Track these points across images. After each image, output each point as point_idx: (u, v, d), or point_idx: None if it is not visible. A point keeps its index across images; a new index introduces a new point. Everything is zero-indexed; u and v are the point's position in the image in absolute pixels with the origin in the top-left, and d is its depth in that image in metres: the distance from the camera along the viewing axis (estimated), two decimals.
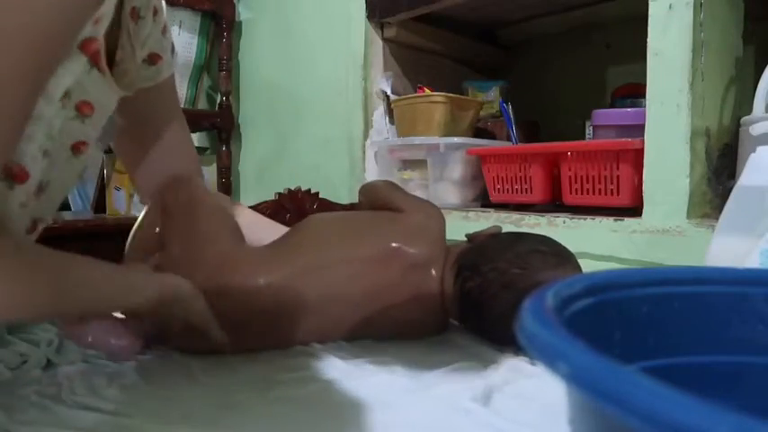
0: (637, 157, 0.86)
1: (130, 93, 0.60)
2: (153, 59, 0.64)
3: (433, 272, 0.67)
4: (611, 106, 1.17)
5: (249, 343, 0.63)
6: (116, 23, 0.56)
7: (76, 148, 0.53)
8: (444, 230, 0.71)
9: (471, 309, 0.65)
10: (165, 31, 0.65)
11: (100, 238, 1.06)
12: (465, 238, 0.72)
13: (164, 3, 0.65)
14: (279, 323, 0.63)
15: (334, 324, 0.66)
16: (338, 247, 0.67)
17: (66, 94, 0.49)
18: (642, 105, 0.87)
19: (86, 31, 0.48)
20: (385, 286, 0.65)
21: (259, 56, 1.68)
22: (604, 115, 0.98)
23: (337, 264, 0.65)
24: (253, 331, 0.62)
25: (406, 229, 0.68)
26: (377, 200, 0.75)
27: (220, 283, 0.61)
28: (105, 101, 0.55)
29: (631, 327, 0.34)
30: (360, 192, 0.78)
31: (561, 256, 0.65)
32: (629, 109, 1.00)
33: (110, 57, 0.56)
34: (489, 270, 0.63)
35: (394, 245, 0.66)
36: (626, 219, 0.86)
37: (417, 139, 1.18)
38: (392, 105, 1.30)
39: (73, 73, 0.48)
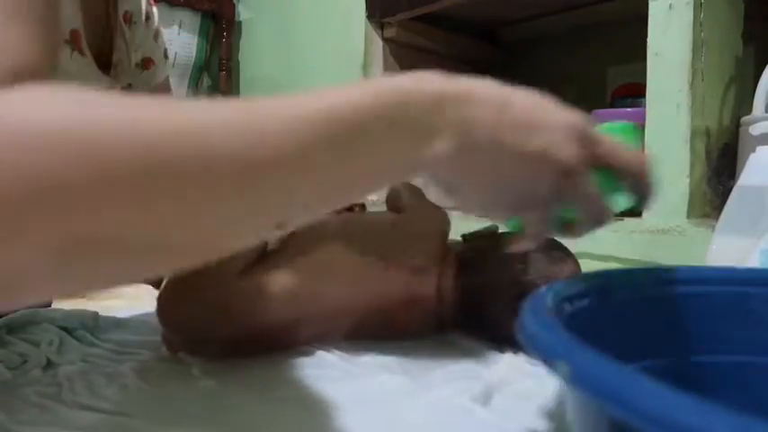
0: None
1: (119, 84, 0.60)
2: (146, 64, 0.65)
3: (430, 277, 0.67)
4: (611, 106, 1.17)
5: (249, 350, 0.63)
6: (109, 26, 0.57)
7: None
8: (446, 235, 0.70)
9: (474, 307, 0.65)
10: (157, 36, 0.66)
11: None
12: (462, 239, 0.72)
13: (155, 9, 0.66)
14: (276, 332, 0.63)
15: (330, 331, 0.66)
16: (335, 255, 0.66)
17: None
18: (642, 105, 0.87)
19: (72, 23, 0.49)
20: (381, 293, 0.65)
21: (259, 56, 1.68)
22: (604, 115, 0.98)
23: (334, 271, 0.65)
24: (255, 340, 0.62)
25: (403, 236, 0.68)
26: (392, 201, 0.73)
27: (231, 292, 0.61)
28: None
29: (631, 327, 0.34)
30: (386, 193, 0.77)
31: (562, 251, 0.65)
32: (629, 109, 1.00)
33: (107, 58, 0.57)
34: (492, 267, 0.63)
35: (391, 252, 0.66)
36: (626, 219, 0.86)
37: None
38: None
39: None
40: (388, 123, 0.30)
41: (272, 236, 0.27)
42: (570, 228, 0.39)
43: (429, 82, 0.31)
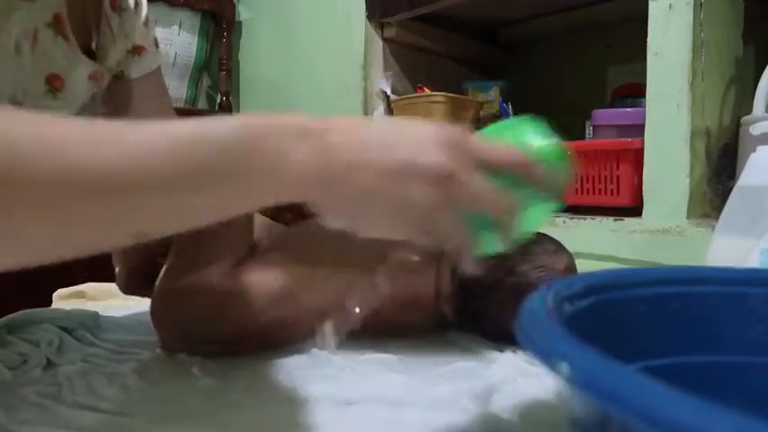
0: (637, 157, 0.86)
1: (104, 70, 0.61)
2: (138, 51, 0.66)
3: (428, 273, 0.67)
4: (611, 106, 1.17)
5: (248, 347, 0.63)
6: (95, 12, 0.59)
7: None
8: None
9: (473, 301, 0.65)
10: (147, 23, 0.67)
11: None
12: None
13: None
14: (268, 330, 0.63)
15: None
16: (328, 254, 0.66)
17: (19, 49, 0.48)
18: (642, 105, 0.87)
19: (55, 6, 0.50)
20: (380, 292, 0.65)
21: (259, 56, 1.68)
22: (604, 115, 0.98)
23: (326, 270, 0.64)
24: (248, 340, 0.62)
25: None
26: None
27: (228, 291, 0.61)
28: (75, 75, 0.56)
29: (631, 327, 0.34)
30: None
31: (557, 244, 0.66)
32: (629, 109, 1.00)
33: (91, 43, 0.58)
34: (489, 260, 0.64)
35: (387, 251, 0.66)
36: (626, 219, 0.86)
37: None
38: (392, 105, 1.30)
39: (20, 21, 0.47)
40: (248, 149, 0.32)
41: (133, 242, 0.32)
42: (499, 234, 0.38)
43: (292, 118, 0.34)
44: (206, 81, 1.73)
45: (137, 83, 0.66)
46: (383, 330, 0.67)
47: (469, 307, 0.66)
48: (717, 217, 0.64)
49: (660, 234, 0.81)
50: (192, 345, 0.62)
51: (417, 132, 0.34)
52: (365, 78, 1.31)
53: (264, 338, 0.63)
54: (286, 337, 0.64)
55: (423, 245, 0.38)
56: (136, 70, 0.66)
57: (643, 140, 0.84)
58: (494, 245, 0.39)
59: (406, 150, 0.33)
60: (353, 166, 0.33)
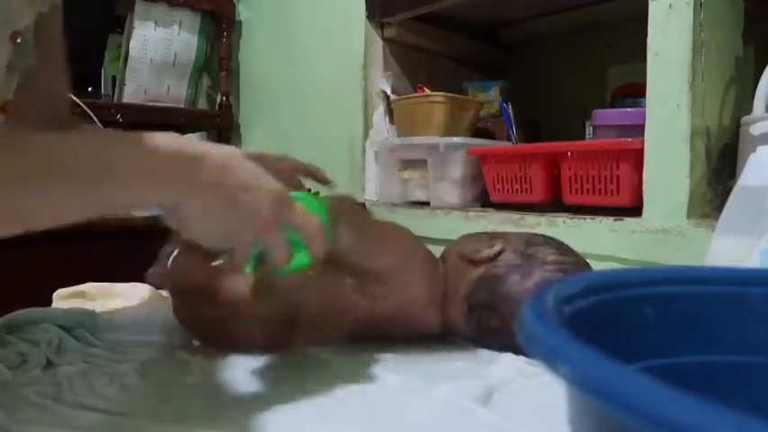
0: (637, 157, 0.86)
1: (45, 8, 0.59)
2: None
3: (431, 304, 0.67)
4: (611, 106, 1.17)
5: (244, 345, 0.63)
6: None
7: None
8: (421, 258, 0.69)
9: (490, 339, 0.66)
10: None
11: (100, 239, 1.05)
12: (461, 240, 0.72)
13: None
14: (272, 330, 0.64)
15: (326, 339, 0.66)
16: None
17: None
18: (642, 105, 0.87)
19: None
20: (382, 324, 0.65)
21: (259, 56, 1.68)
22: (604, 115, 0.98)
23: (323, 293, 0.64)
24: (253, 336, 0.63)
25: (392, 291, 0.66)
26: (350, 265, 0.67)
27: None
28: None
29: (632, 326, 0.34)
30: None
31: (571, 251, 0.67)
32: (629, 109, 1.00)
33: None
34: (507, 306, 0.63)
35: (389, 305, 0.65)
36: (626, 219, 0.86)
37: (417, 139, 1.18)
38: (392, 105, 1.30)
39: None
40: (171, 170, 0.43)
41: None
42: (262, 264, 0.48)
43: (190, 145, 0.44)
44: (206, 81, 1.73)
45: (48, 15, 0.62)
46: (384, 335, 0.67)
47: (482, 333, 0.66)
48: (717, 217, 0.64)
49: (660, 234, 0.81)
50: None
51: (262, 185, 0.46)
52: (365, 78, 1.31)
53: (250, 332, 0.63)
54: (275, 334, 0.64)
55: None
56: (43, 5, 0.62)
57: (643, 140, 0.84)
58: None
59: (249, 197, 0.45)
60: (213, 201, 0.44)
